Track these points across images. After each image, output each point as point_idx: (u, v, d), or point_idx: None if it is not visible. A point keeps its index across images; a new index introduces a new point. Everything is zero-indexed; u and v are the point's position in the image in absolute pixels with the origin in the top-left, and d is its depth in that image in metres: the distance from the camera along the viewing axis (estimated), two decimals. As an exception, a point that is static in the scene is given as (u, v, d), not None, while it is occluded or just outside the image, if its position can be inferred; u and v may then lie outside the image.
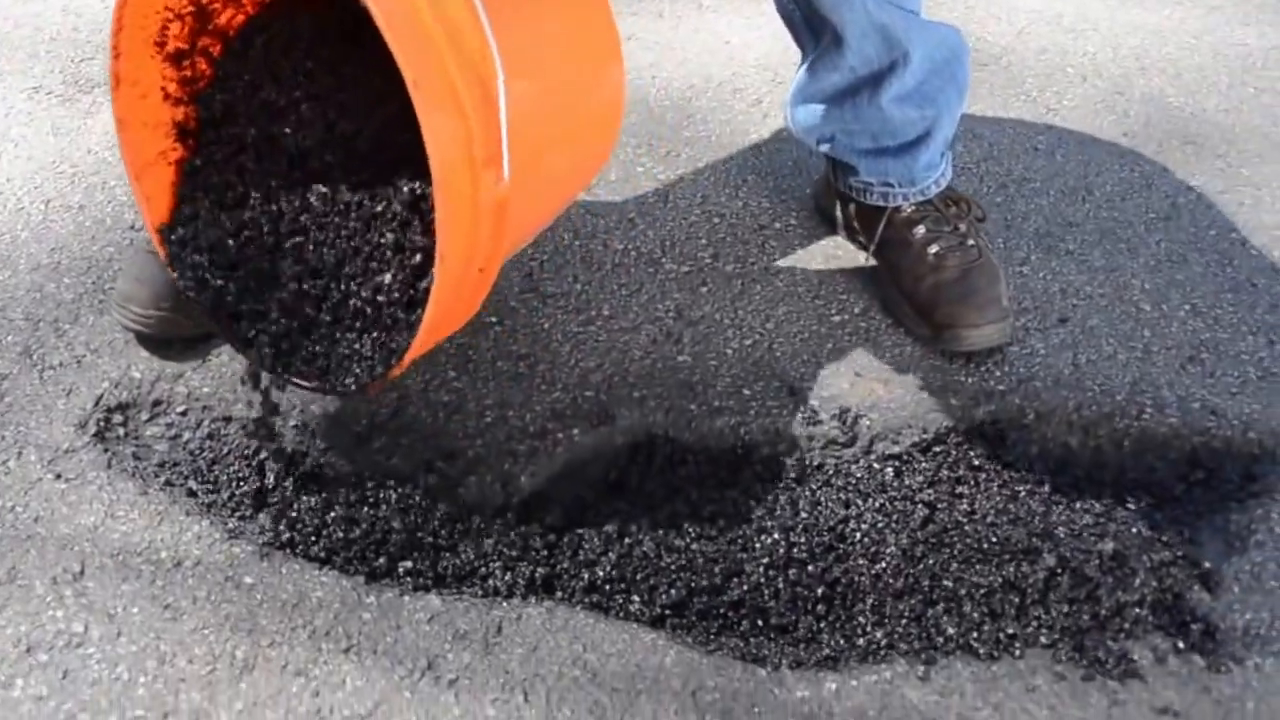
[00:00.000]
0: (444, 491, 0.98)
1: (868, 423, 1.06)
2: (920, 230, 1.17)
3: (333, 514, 0.95)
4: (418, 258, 0.85)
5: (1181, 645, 0.90)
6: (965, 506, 1.00)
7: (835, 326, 1.16)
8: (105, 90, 1.45)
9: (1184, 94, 1.58)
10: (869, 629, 0.91)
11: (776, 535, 0.97)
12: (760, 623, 0.91)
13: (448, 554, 0.94)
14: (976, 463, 1.04)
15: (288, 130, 0.92)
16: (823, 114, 1.19)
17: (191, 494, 0.96)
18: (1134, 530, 0.99)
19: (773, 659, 0.88)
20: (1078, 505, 1.01)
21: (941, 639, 0.90)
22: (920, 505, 1.00)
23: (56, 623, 0.84)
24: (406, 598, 0.89)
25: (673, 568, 0.94)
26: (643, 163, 1.38)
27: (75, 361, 1.06)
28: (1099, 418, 1.08)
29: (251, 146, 0.92)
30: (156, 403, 1.03)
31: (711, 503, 1.00)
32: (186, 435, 1.01)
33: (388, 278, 0.86)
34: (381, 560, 0.92)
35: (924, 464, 1.04)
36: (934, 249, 1.15)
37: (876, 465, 1.04)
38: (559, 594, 0.92)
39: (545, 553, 0.94)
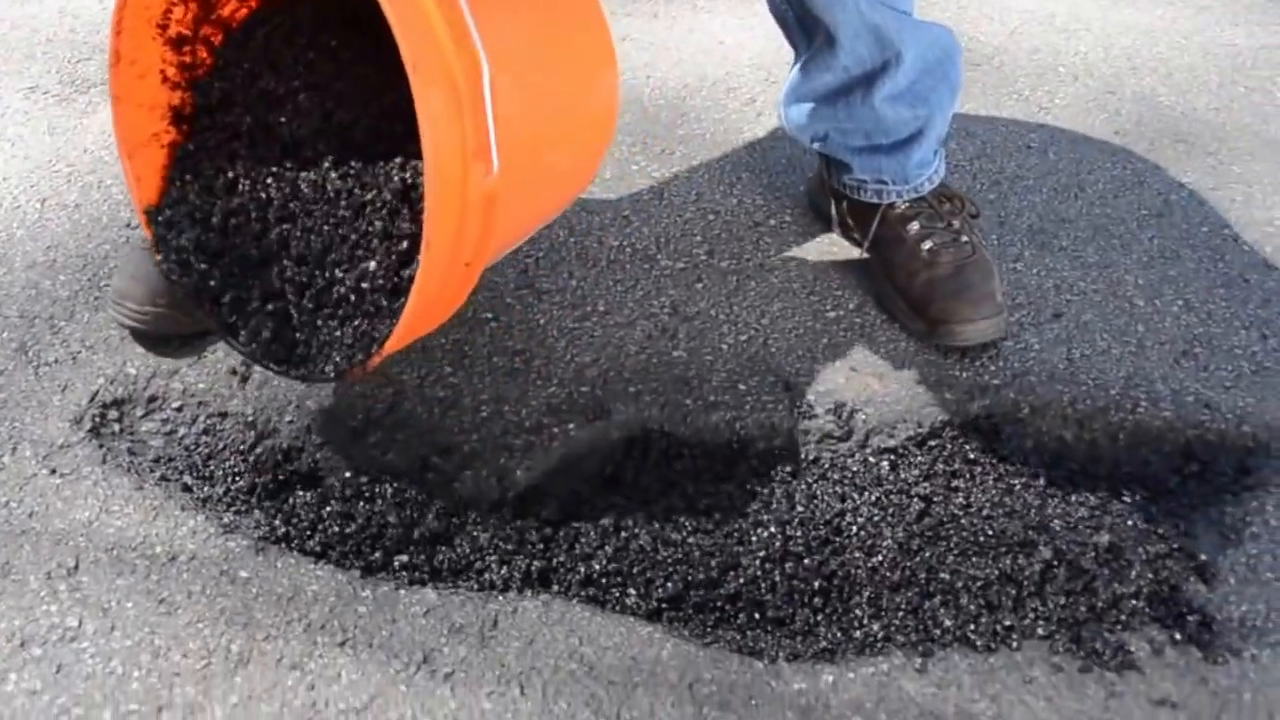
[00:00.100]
0: (440, 486, 0.98)
1: (863, 417, 1.06)
2: (914, 226, 1.17)
3: (328, 509, 0.95)
4: (404, 244, 0.86)
5: (1178, 637, 0.90)
6: (961, 500, 1.01)
7: (830, 322, 1.17)
8: (102, 91, 1.46)
9: (1175, 93, 1.59)
10: (866, 621, 0.90)
11: (773, 529, 0.97)
12: (757, 615, 0.91)
13: (443, 548, 0.93)
14: (972, 456, 1.05)
15: (284, 119, 0.92)
16: (816, 113, 1.19)
17: (187, 489, 0.96)
18: (1129, 523, 0.99)
19: (769, 652, 0.87)
20: (1073, 498, 1.01)
21: (938, 631, 0.90)
22: (916, 499, 1.00)
23: (50, 617, 0.84)
24: (402, 591, 0.89)
25: (669, 561, 0.94)
26: (637, 161, 1.39)
27: (70, 358, 1.06)
28: (1093, 411, 1.08)
29: (246, 134, 0.93)
30: (152, 399, 1.03)
31: (707, 496, 1.00)
32: (182, 431, 1.01)
33: (373, 264, 0.86)
34: (377, 554, 0.92)
35: (919, 458, 1.04)
36: (928, 245, 1.15)
37: (872, 459, 1.04)
38: (555, 587, 0.91)
39: (541, 546, 0.94)
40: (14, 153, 1.34)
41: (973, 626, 0.90)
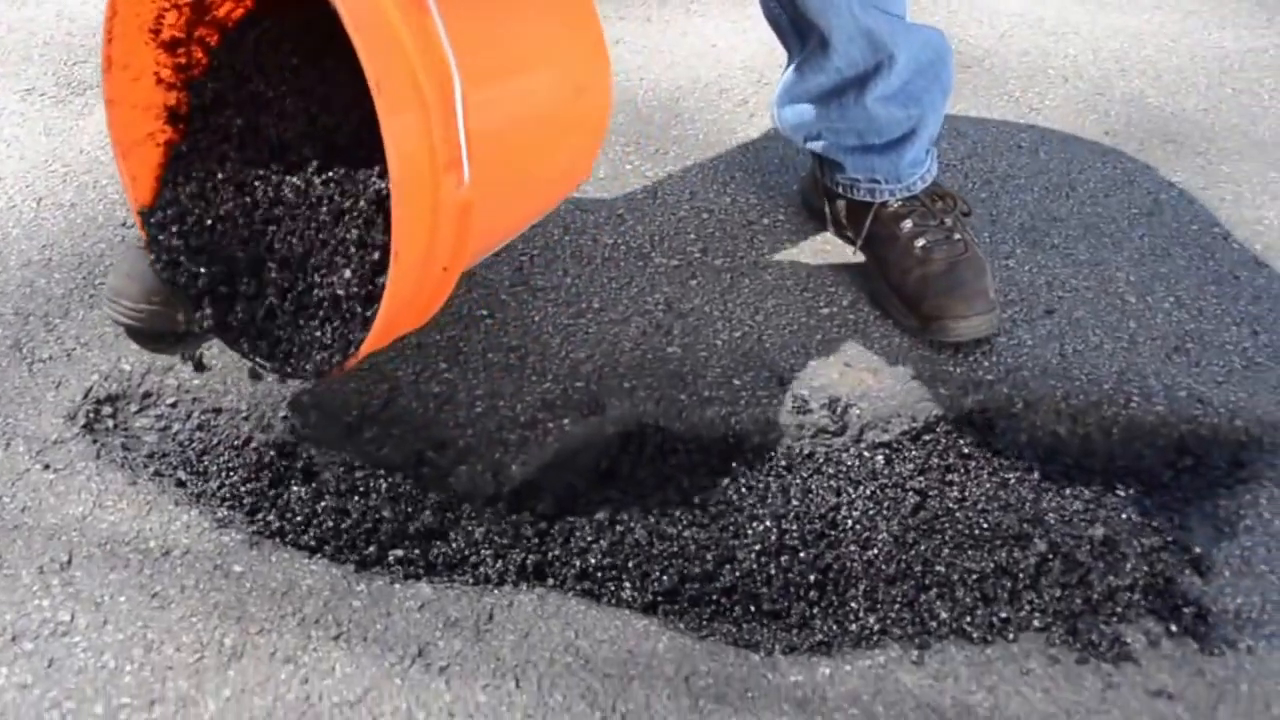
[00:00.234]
0: (435, 481, 0.98)
1: (858, 412, 1.07)
2: (907, 224, 1.18)
3: (323, 503, 0.94)
4: (376, 254, 0.87)
5: (1174, 629, 0.90)
6: (956, 493, 1.01)
7: (824, 319, 1.17)
8: (98, 93, 1.46)
9: (1164, 94, 1.61)
10: (862, 614, 0.90)
11: (768, 522, 0.97)
12: (753, 609, 0.91)
13: (439, 542, 0.93)
14: (966, 451, 1.05)
15: (271, 122, 0.93)
16: (809, 113, 1.20)
17: (181, 484, 0.95)
18: (1124, 516, 0.99)
19: (766, 644, 0.87)
20: (1067, 492, 1.01)
21: (935, 624, 0.90)
22: (911, 492, 1.00)
23: (42, 611, 0.84)
24: (397, 586, 0.88)
25: (664, 555, 0.94)
26: (631, 161, 1.39)
27: (65, 355, 1.06)
28: (1087, 406, 1.08)
29: (236, 135, 0.93)
30: (146, 395, 1.03)
31: (703, 491, 0.99)
32: (176, 426, 1.00)
33: (348, 272, 0.87)
34: (372, 549, 0.92)
35: (914, 452, 1.04)
36: (921, 243, 1.16)
37: (867, 453, 1.04)
38: (550, 581, 0.91)
39: (536, 541, 0.94)
40: (10, 153, 1.34)
41: (969, 619, 0.90)
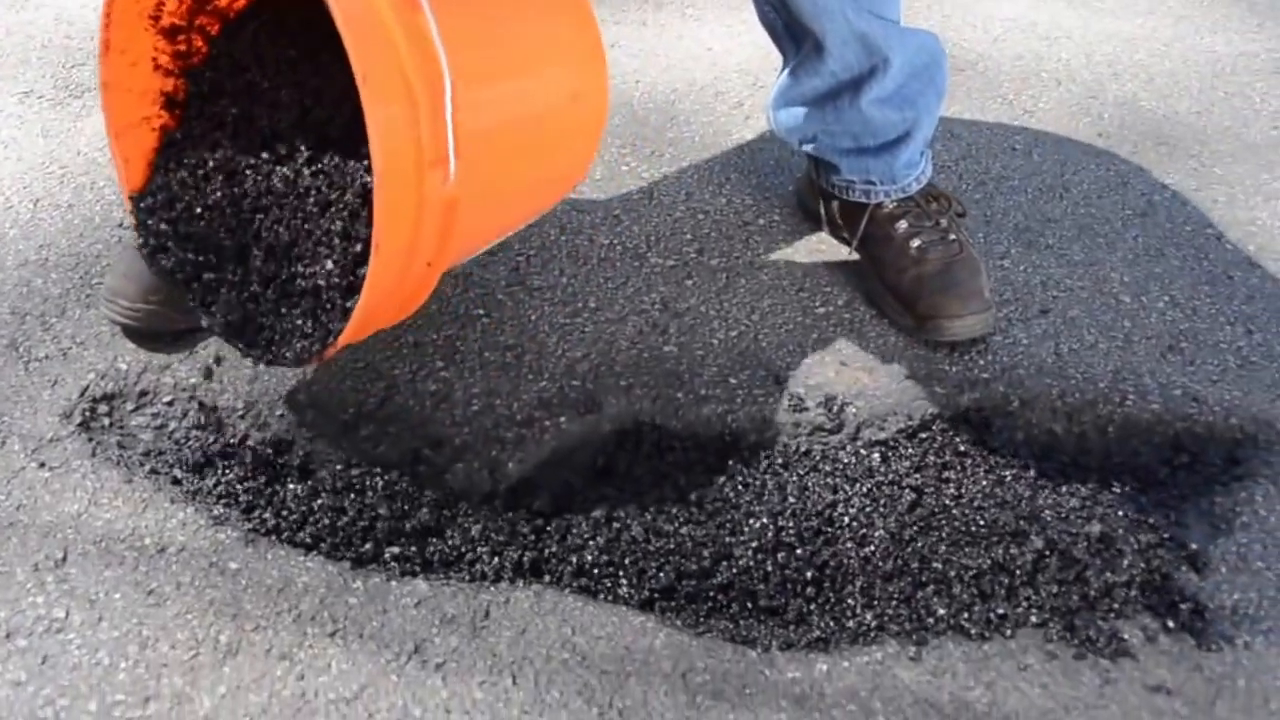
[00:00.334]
0: (431, 478, 0.97)
1: (854, 410, 1.07)
2: (902, 225, 1.18)
3: (319, 501, 0.94)
4: (358, 247, 0.87)
5: (1171, 625, 0.90)
6: (952, 491, 1.01)
7: (820, 318, 1.17)
8: (96, 95, 1.46)
9: (1156, 98, 1.62)
10: (859, 611, 0.90)
11: (765, 519, 0.97)
12: (750, 605, 0.90)
13: (435, 540, 0.93)
14: (962, 449, 1.05)
15: (264, 112, 0.93)
16: (805, 116, 1.21)
17: (176, 482, 0.95)
18: (1120, 513, 0.99)
19: (763, 641, 0.87)
20: (1064, 489, 1.01)
21: (932, 620, 0.90)
22: (907, 490, 1.00)
23: (37, 609, 0.83)
24: (393, 583, 0.88)
25: (661, 552, 0.93)
26: (627, 162, 1.40)
27: (61, 354, 1.06)
28: (1082, 404, 1.09)
29: (230, 124, 0.93)
30: (143, 393, 1.03)
31: (699, 488, 0.99)
32: (172, 425, 1.00)
33: (330, 263, 0.87)
34: (368, 546, 0.91)
35: (910, 450, 1.04)
36: (916, 243, 1.16)
37: (863, 451, 1.04)
38: (547, 578, 0.91)
39: (533, 538, 0.94)
40: (8, 154, 1.34)
41: (966, 615, 0.90)
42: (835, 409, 1.07)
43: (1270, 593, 0.92)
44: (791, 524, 0.96)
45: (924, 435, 1.06)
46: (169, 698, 0.78)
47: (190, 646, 0.82)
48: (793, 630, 0.89)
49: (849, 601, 0.91)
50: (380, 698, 0.79)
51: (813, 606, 0.91)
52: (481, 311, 1.14)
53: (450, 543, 0.93)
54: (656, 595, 0.90)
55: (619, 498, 0.98)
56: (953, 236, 1.17)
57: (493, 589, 0.89)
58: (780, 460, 1.03)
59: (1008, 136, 1.50)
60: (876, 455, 1.04)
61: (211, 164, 0.92)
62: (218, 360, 1.05)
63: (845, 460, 1.03)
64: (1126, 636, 0.88)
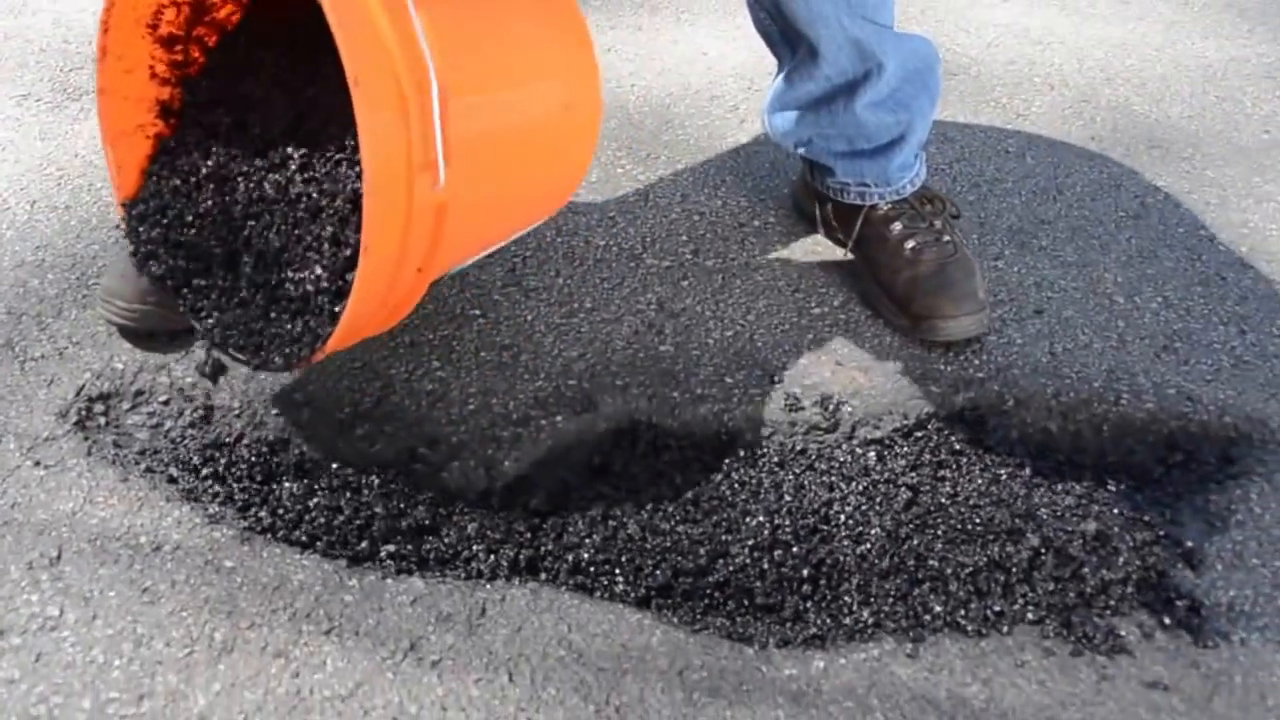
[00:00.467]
0: (427, 477, 0.97)
1: (849, 409, 1.07)
2: (897, 226, 1.19)
3: (315, 500, 0.94)
4: (348, 252, 0.87)
5: (1168, 621, 0.90)
6: (948, 489, 1.01)
7: (815, 318, 1.18)
8: (93, 99, 1.47)
9: (1148, 102, 1.63)
10: (855, 608, 0.90)
11: (761, 518, 0.97)
12: (746, 603, 0.90)
13: (431, 538, 0.93)
14: (958, 447, 1.05)
15: (257, 121, 0.93)
16: (800, 120, 1.22)
17: (172, 481, 0.95)
18: (1116, 511, 0.99)
19: (760, 638, 0.87)
20: (1059, 487, 1.01)
21: (929, 617, 0.90)
22: (903, 488, 1.00)
23: (31, 606, 0.83)
24: (389, 581, 0.88)
25: (658, 549, 0.93)
26: (623, 165, 1.40)
27: (57, 353, 1.06)
28: (1077, 403, 1.09)
29: (224, 133, 0.94)
30: (139, 393, 1.03)
31: (695, 487, 1.00)
32: (168, 424, 1.00)
33: (319, 269, 0.88)
34: (364, 544, 0.91)
35: (906, 448, 1.05)
36: (911, 244, 1.17)
37: (859, 450, 1.04)
38: (543, 576, 0.91)
39: (529, 536, 0.94)
40: (5, 157, 1.34)
41: (963, 612, 0.90)
42: (831, 408, 1.07)
43: (1266, 589, 0.93)
44: (788, 522, 0.96)
45: (919, 434, 1.06)
46: (163, 695, 0.78)
47: (185, 644, 0.81)
48: (789, 628, 0.89)
49: (845, 599, 0.91)
50: (376, 695, 0.79)
51: (809, 604, 0.91)
52: (478, 311, 1.14)
53: (446, 541, 0.93)
54: (653, 593, 0.90)
55: (615, 496, 0.98)
56: (947, 238, 1.17)
57: (489, 587, 0.89)
58: (776, 459, 1.03)
59: (1001, 140, 1.51)
60: (872, 454, 1.04)
61: (204, 171, 0.93)
62: (216, 360, 1.05)
63: (841, 459, 1.03)
64: (1123, 633, 0.89)
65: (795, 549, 0.94)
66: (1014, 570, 0.93)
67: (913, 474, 1.02)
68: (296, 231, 0.89)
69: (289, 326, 0.90)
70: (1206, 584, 0.93)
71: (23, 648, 0.80)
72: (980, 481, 1.02)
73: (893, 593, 0.91)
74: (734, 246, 1.27)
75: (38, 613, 0.83)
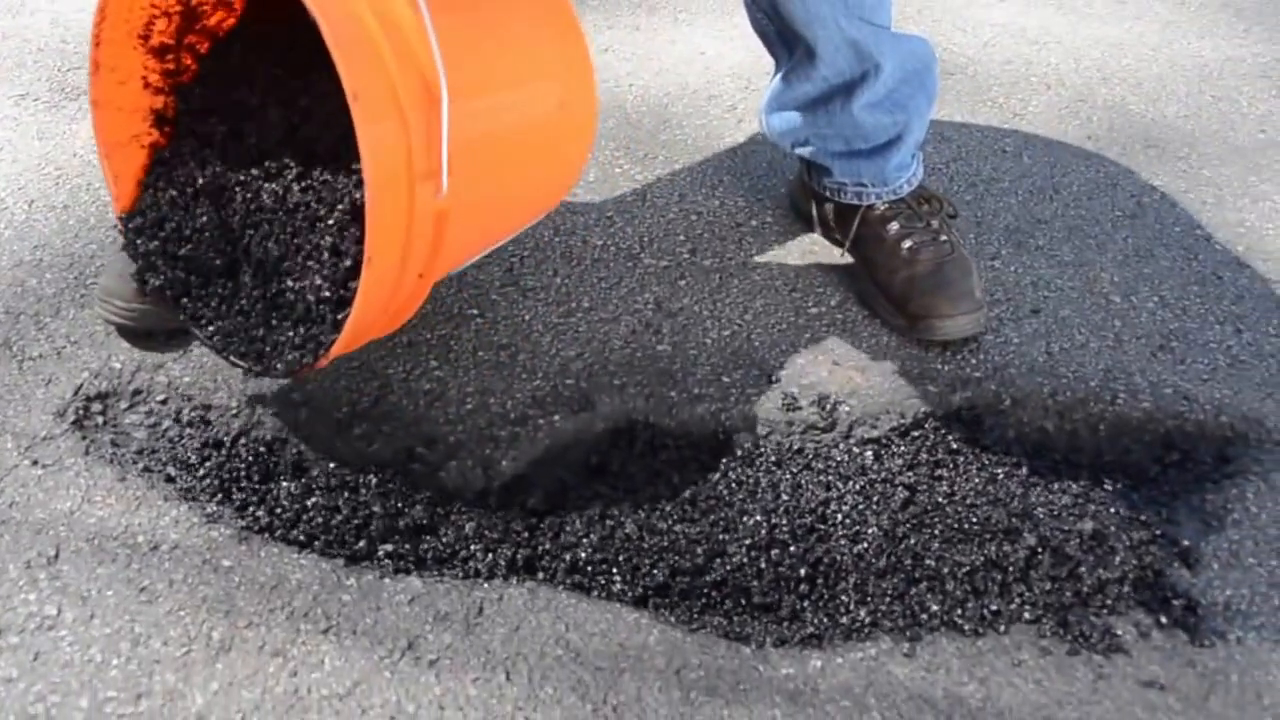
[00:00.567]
0: (425, 477, 0.97)
1: (846, 408, 1.07)
2: (894, 226, 1.19)
3: (313, 499, 0.94)
4: (348, 262, 0.87)
5: (1164, 620, 0.90)
6: (945, 488, 1.01)
7: (813, 318, 1.18)
8: (89, 101, 1.47)
9: (1145, 101, 1.63)
10: (852, 607, 0.90)
11: (758, 517, 0.97)
12: (743, 602, 0.90)
13: (428, 537, 0.93)
14: (955, 447, 1.05)
15: (252, 130, 0.93)
16: (797, 120, 1.22)
17: (170, 480, 0.95)
18: (1112, 510, 0.99)
19: (757, 637, 0.87)
20: (1056, 487, 1.02)
21: (925, 616, 0.90)
22: (900, 487, 1.00)
23: (28, 605, 0.83)
24: (387, 580, 0.88)
25: (655, 549, 0.93)
26: (620, 165, 1.41)
27: (55, 353, 1.06)
28: (1073, 403, 1.09)
29: (219, 142, 0.94)
30: (136, 392, 1.03)
31: (693, 486, 1.00)
32: (166, 423, 1.00)
33: (319, 278, 0.88)
34: (362, 544, 0.91)
35: (903, 448, 1.05)
36: (908, 244, 1.17)
37: (856, 449, 1.04)
38: (541, 575, 0.91)
39: (526, 535, 0.94)
40: (3, 156, 1.34)
41: (960, 611, 0.90)
42: (828, 407, 1.07)
43: (1262, 588, 0.93)
44: (785, 521, 0.96)
45: (916, 433, 1.06)
46: (161, 694, 0.78)
47: (183, 643, 0.81)
48: (786, 627, 0.89)
49: (842, 598, 0.91)
50: (373, 694, 0.79)
51: (806, 603, 0.91)
52: (475, 311, 1.15)
53: (444, 540, 0.93)
54: (650, 592, 0.90)
55: (612, 495, 0.98)
56: (944, 237, 1.18)
57: (486, 586, 0.89)
58: (773, 458, 1.03)
59: (998, 139, 1.51)
60: (869, 453, 1.04)
61: (200, 182, 0.93)
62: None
63: (838, 458, 1.03)
64: (1119, 632, 0.89)
65: (792, 548, 0.94)
66: (1011, 569, 0.93)
67: (910, 473, 1.02)
68: (295, 241, 0.89)
69: (291, 334, 0.90)
70: (1203, 583, 0.93)
71: (20, 647, 0.80)
72: (977, 481, 1.02)
73: (890, 592, 0.91)
74: (731, 246, 1.27)
75: (35, 612, 0.83)
